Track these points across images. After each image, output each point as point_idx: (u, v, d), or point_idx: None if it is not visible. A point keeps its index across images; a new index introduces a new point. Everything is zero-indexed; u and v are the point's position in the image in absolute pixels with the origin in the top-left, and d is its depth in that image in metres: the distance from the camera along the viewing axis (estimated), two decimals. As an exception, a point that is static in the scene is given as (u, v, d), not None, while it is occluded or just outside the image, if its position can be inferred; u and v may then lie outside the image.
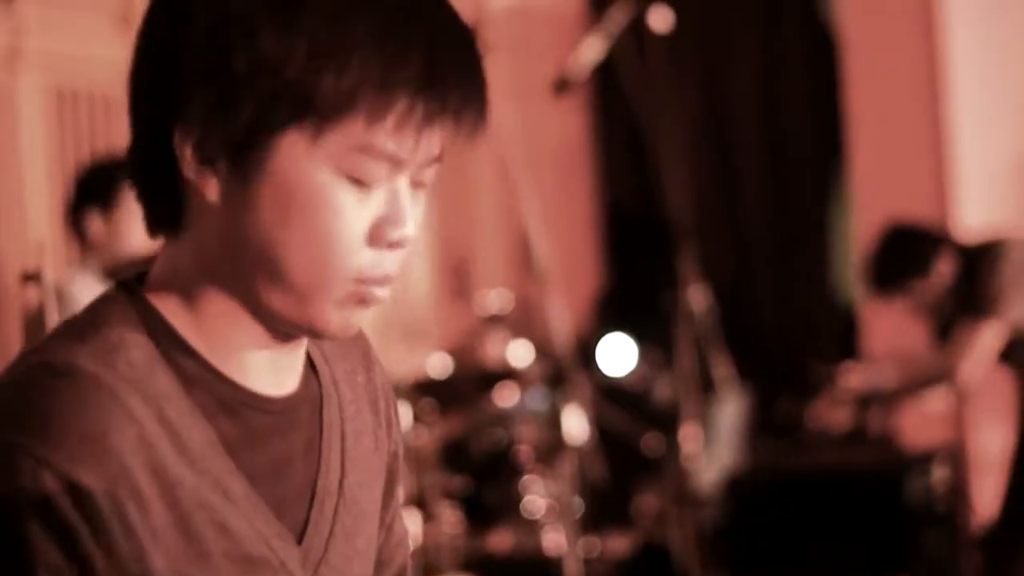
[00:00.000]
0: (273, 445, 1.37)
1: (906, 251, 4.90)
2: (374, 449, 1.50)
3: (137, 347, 1.31)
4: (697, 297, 4.74)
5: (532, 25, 6.83)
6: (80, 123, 4.83)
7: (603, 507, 4.82)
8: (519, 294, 5.40)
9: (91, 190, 4.14)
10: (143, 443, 1.26)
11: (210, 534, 1.29)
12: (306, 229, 1.29)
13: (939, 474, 4.78)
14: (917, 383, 4.89)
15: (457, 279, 6.43)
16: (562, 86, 4.61)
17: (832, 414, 5.09)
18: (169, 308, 1.34)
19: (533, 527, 4.40)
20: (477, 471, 4.42)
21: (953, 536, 4.87)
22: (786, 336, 6.79)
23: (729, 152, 6.98)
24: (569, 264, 6.63)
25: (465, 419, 4.50)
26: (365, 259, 1.31)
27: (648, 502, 5.26)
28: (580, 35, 5.44)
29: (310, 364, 1.44)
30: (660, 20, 4.60)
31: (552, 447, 4.48)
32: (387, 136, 1.29)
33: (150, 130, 1.33)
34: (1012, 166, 6.38)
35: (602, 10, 5.04)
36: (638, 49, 4.69)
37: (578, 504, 4.47)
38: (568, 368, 4.48)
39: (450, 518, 4.34)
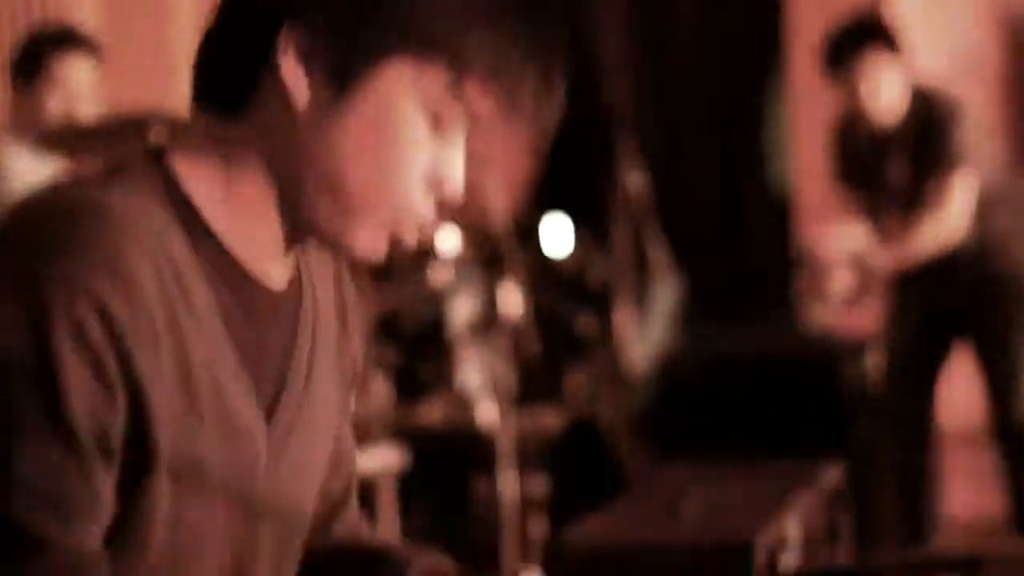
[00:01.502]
0: (261, 326, 1.40)
1: (865, 20, 4.76)
2: (337, 355, 1.53)
3: (154, 214, 1.32)
4: (634, 181, 4.71)
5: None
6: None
7: (535, 383, 4.80)
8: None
9: (15, 63, 4.05)
10: (162, 292, 1.29)
11: (205, 391, 1.32)
12: (383, 152, 1.34)
13: (872, 360, 4.78)
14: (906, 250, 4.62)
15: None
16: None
17: (826, 283, 4.73)
18: (196, 181, 1.36)
19: (465, 401, 4.38)
20: (410, 344, 4.39)
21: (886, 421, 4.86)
22: (720, 221, 6.80)
23: (667, 40, 6.96)
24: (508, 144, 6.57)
25: (399, 292, 4.46)
26: (418, 197, 1.37)
27: (579, 380, 5.24)
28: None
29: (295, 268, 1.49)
30: None
31: (486, 322, 4.45)
32: (481, 87, 1.34)
33: (256, 13, 1.34)
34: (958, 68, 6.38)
35: None
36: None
37: (510, 379, 4.45)
38: (505, 246, 4.45)
39: (380, 388, 4.32)
